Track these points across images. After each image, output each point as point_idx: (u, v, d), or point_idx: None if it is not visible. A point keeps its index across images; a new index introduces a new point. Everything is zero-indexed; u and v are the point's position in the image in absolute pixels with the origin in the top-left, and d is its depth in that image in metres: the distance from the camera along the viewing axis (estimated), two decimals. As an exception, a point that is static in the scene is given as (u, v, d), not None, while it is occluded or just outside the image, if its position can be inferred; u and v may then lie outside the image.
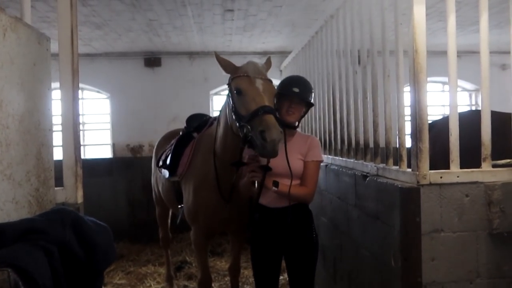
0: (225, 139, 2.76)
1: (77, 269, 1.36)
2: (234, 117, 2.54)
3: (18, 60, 1.61)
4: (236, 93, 2.51)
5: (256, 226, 2.70)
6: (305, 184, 2.55)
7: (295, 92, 2.59)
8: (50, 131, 1.94)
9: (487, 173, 2.17)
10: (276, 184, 2.45)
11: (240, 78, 2.54)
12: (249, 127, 2.35)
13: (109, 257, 1.54)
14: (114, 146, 6.56)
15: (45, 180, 1.85)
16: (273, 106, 2.50)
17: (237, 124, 2.50)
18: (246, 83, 2.49)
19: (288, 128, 2.61)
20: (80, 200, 2.13)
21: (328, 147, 3.71)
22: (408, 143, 2.31)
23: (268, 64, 2.82)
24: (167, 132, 4.64)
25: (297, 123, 2.69)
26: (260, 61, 2.84)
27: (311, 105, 2.78)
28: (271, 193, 2.60)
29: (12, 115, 1.55)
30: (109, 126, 6.65)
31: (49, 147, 1.91)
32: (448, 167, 2.18)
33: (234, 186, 2.82)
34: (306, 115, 3.17)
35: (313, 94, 2.78)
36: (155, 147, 4.53)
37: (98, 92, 6.72)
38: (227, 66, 2.68)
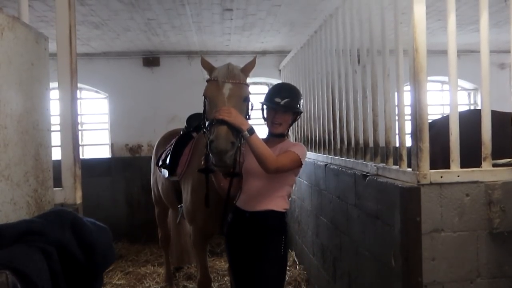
0: None
1: (76, 270, 1.35)
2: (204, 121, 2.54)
3: (16, 59, 1.60)
4: (205, 98, 2.50)
5: (228, 227, 2.68)
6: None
7: (277, 103, 2.54)
8: (49, 131, 1.92)
9: (488, 172, 2.16)
10: (251, 131, 2.27)
11: (209, 82, 2.51)
12: (208, 134, 2.35)
13: (108, 258, 1.53)
14: (112, 146, 6.54)
15: (44, 180, 1.83)
16: (245, 111, 2.48)
17: (203, 130, 2.50)
18: (213, 88, 2.44)
19: (276, 137, 2.60)
20: (79, 200, 2.12)
21: (327, 147, 3.71)
22: (408, 142, 2.30)
23: (251, 64, 2.64)
24: (167, 132, 4.64)
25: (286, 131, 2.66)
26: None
27: (299, 112, 2.69)
28: (245, 195, 2.58)
29: (10, 115, 1.54)
30: (107, 126, 6.62)
31: (48, 147, 1.90)
32: (448, 167, 2.17)
33: (208, 191, 2.70)
34: (302, 118, 3.13)
35: (301, 101, 2.67)
36: (154, 147, 4.53)
37: (96, 92, 6.69)
38: (207, 68, 2.62)
